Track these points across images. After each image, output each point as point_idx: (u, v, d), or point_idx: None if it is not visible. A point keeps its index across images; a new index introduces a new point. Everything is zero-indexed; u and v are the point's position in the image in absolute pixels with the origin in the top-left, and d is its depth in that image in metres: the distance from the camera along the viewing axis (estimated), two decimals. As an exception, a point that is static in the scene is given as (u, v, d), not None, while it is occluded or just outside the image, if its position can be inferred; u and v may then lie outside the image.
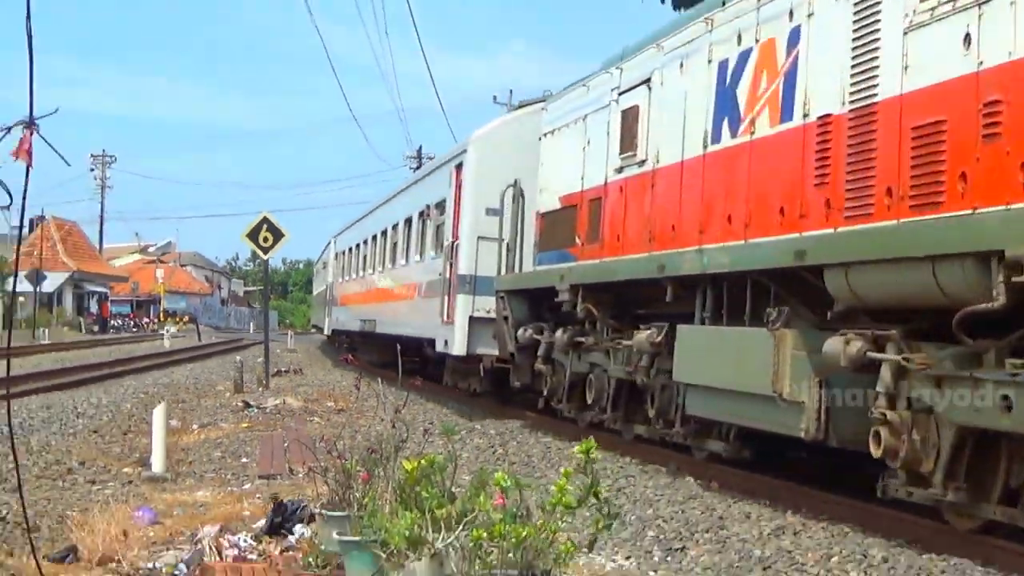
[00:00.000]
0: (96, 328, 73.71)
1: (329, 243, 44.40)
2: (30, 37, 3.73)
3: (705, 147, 10.50)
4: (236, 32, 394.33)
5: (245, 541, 7.61)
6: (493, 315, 16.44)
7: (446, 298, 18.31)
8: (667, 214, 11.37)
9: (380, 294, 28.00)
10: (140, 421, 16.00)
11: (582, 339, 13.43)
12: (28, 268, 59.43)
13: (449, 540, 4.57)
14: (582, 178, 13.74)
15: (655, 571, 7.50)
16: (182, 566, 7.19)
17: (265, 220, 24.36)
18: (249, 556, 7.18)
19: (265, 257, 26.18)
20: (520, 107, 18.66)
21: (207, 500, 9.92)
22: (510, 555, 4.45)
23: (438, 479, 5.00)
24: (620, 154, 12.48)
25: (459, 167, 18.73)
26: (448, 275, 18.31)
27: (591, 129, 13.68)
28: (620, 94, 12.75)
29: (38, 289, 62.53)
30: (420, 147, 57.38)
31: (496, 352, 16.53)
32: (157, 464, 11.57)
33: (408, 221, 24.45)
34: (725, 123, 10.18)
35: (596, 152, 13.34)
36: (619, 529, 8.25)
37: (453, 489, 5.05)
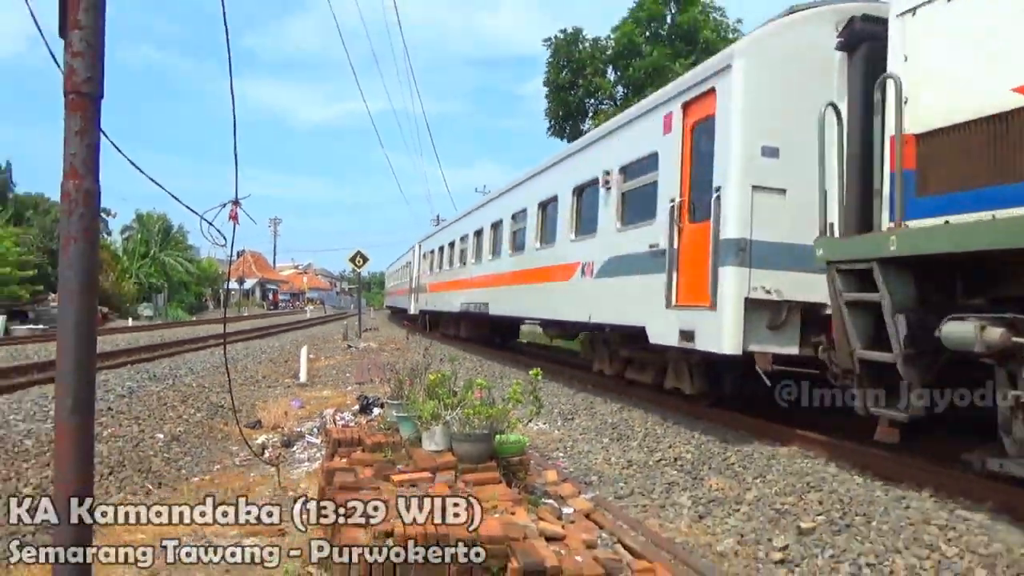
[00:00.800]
0: (272, 308, 73.15)
1: (411, 248, 29.78)
2: (236, 159, 3.67)
3: None
4: (343, 156, 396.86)
5: (348, 416, 7.51)
6: (775, 297, 6.31)
7: (674, 274, 7.27)
8: None
9: (494, 279, 14.67)
10: (294, 355, 15.74)
11: None
12: (236, 277, 58.99)
13: (452, 415, 4.53)
14: None
15: (558, 430, 7.44)
16: (315, 429, 7.10)
17: (358, 252, 24.37)
18: (350, 424, 7.08)
19: (358, 270, 25.98)
20: (794, 11, 6.58)
21: (328, 396, 9.76)
22: (483, 422, 4.42)
23: (447, 383, 4.95)
24: None
25: (695, 100, 7.11)
26: (676, 245, 7.24)
27: None
28: None
29: (241, 287, 62.98)
30: (438, 215, 56.49)
31: (775, 349, 6.38)
32: (303, 377, 11.41)
33: (543, 205, 11.75)
34: None
35: None
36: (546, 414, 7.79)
37: (455, 388, 5.00)
